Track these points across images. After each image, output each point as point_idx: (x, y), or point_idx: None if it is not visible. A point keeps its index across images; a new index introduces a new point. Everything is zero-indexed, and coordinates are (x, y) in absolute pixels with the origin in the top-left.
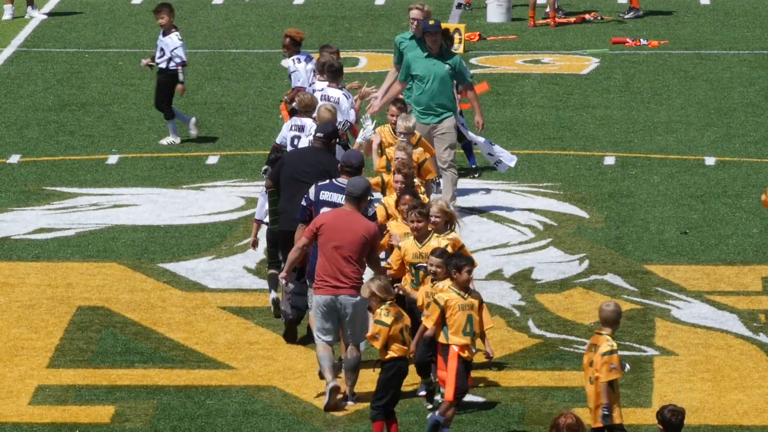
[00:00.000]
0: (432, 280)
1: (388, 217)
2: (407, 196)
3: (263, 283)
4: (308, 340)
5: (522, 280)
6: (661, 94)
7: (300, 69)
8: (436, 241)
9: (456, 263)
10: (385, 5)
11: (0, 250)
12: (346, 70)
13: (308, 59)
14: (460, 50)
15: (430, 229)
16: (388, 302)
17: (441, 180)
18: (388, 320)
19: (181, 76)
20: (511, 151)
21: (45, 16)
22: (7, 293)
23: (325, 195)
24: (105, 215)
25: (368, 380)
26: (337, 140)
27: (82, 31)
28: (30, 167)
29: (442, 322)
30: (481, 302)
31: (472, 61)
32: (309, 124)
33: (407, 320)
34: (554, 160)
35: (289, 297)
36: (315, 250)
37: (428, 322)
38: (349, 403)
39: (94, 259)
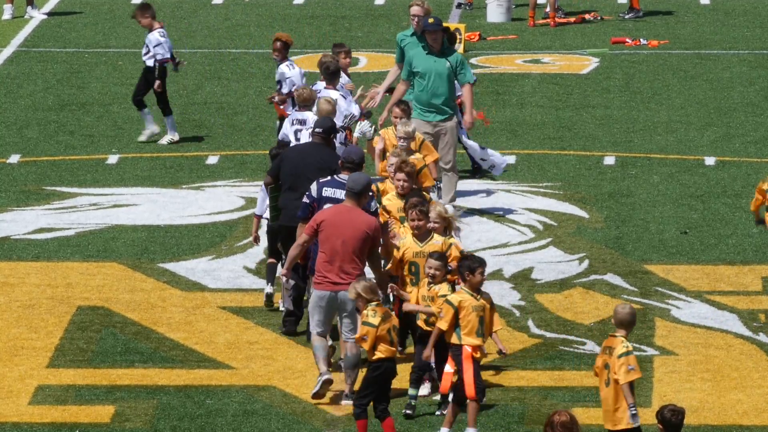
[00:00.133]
0: (428, 283)
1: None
2: (414, 199)
3: (263, 283)
4: (309, 338)
5: (522, 279)
6: (660, 93)
7: (294, 75)
8: (440, 241)
9: (469, 265)
10: (385, 5)
11: (0, 249)
12: None
13: (292, 66)
14: (460, 50)
15: (430, 228)
16: (375, 303)
17: (440, 185)
18: (375, 321)
19: (156, 72)
20: (511, 151)
21: (45, 16)
22: (7, 293)
23: (327, 191)
24: (105, 215)
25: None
26: (336, 135)
27: (81, 31)
28: (30, 167)
29: (455, 323)
30: (491, 304)
31: (473, 61)
32: (310, 117)
33: (395, 320)
34: (554, 160)
35: (290, 294)
36: (316, 246)
37: (443, 323)
38: (346, 402)
39: (94, 258)
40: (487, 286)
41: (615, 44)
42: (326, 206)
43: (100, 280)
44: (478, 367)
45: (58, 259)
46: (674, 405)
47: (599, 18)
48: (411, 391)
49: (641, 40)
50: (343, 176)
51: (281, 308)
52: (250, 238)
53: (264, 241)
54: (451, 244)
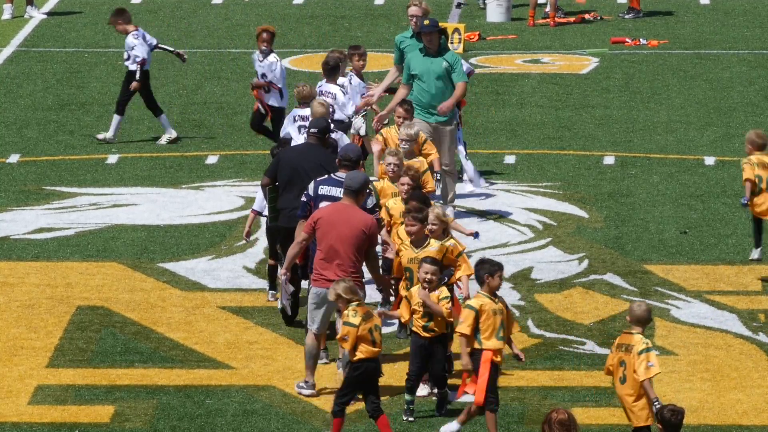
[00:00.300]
0: (424, 288)
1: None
2: (413, 202)
3: (263, 283)
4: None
5: (521, 279)
6: (660, 93)
7: (280, 66)
8: (436, 247)
9: (489, 268)
10: (385, 5)
11: (0, 249)
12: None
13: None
14: (460, 50)
15: (427, 233)
16: (356, 303)
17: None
18: (356, 321)
19: (137, 74)
20: (511, 151)
21: (44, 16)
22: (6, 293)
23: (323, 189)
24: (105, 215)
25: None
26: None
27: (81, 31)
28: (30, 167)
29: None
30: (507, 307)
31: (472, 60)
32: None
33: (376, 320)
34: (554, 160)
35: (289, 297)
36: (314, 245)
37: (464, 327)
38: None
39: (93, 258)
40: None
41: (615, 44)
42: (323, 204)
43: (99, 279)
44: (496, 373)
45: (58, 258)
46: (674, 405)
47: (599, 18)
48: (407, 397)
49: (641, 40)
50: (340, 174)
51: (278, 305)
52: (243, 240)
53: (263, 242)
54: (447, 248)
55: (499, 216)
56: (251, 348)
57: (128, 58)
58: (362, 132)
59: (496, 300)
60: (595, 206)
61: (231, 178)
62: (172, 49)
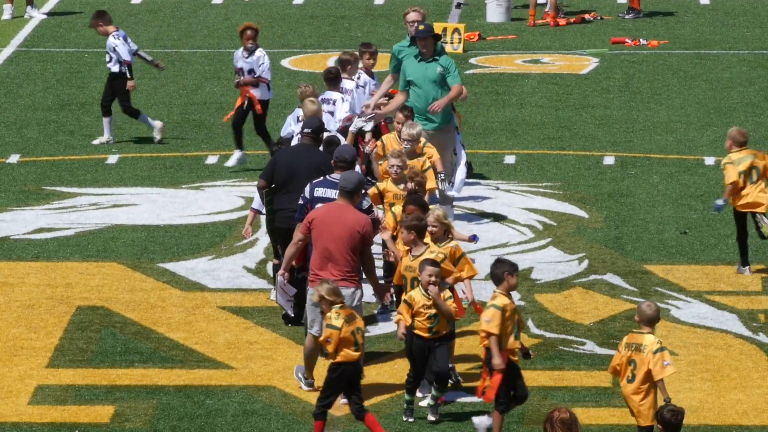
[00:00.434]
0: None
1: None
2: (410, 206)
3: (263, 283)
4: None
5: (521, 279)
6: (660, 94)
7: (268, 60)
8: (434, 253)
9: (509, 267)
10: (385, 5)
11: (0, 249)
12: None
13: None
14: (459, 50)
15: (427, 241)
16: (339, 305)
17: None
18: (338, 323)
19: (128, 73)
20: (511, 151)
21: (44, 16)
22: (6, 293)
23: (319, 191)
24: (104, 215)
25: (367, 376)
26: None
27: (81, 31)
28: (29, 167)
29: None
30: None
31: (472, 60)
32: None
33: (360, 322)
34: (554, 160)
35: (290, 298)
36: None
37: (494, 327)
38: (344, 401)
39: (93, 258)
40: (487, 286)
41: (615, 44)
42: (319, 206)
43: (99, 280)
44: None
45: (58, 259)
46: (674, 405)
47: (599, 18)
48: (407, 397)
49: (641, 40)
50: (336, 176)
51: (271, 298)
52: (245, 239)
53: (263, 242)
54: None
55: (500, 216)
56: (251, 348)
57: (110, 60)
58: (366, 128)
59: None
60: (595, 206)
61: (231, 178)
62: (150, 58)
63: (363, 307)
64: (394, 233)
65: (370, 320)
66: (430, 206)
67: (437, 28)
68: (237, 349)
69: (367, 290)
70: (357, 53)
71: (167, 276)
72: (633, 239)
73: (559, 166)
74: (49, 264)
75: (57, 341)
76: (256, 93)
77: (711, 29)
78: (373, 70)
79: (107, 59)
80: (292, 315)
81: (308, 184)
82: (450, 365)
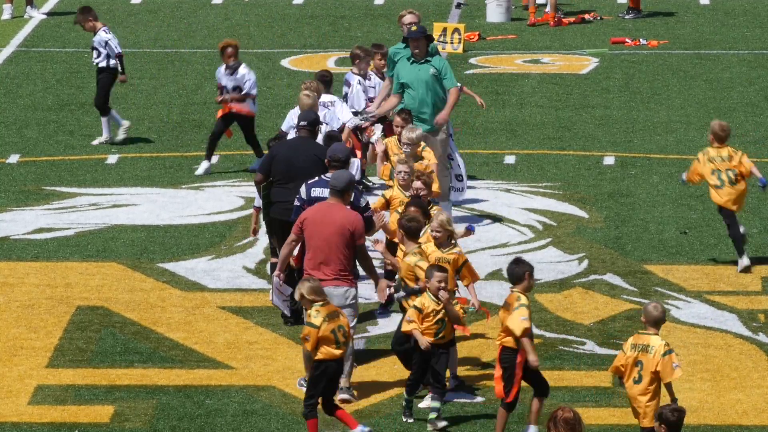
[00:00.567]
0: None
1: (388, 206)
2: (412, 208)
3: (263, 283)
4: None
5: None
6: (660, 94)
7: (253, 76)
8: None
9: (530, 267)
10: (384, 5)
11: (0, 249)
12: (344, 69)
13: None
14: (459, 50)
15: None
16: (320, 303)
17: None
18: (317, 321)
19: (120, 68)
20: (511, 151)
21: (44, 16)
22: (6, 293)
23: (316, 192)
24: (104, 215)
25: (367, 376)
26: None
27: (81, 31)
28: (29, 167)
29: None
30: None
31: (472, 60)
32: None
33: (342, 321)
34: (554, 160)
35: (285, 299)
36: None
37: (528, 322)
38: (342, 395)
39: (93, 258)
40: (487, 286)
41: (614, 44)
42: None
43: (99, 280)
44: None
45: (58, 259)
46: (675, 404)
47: (599, 18)
48: (406, 396)
49: (641, 40)
50: (330, 175)
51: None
52: (251, 237)
53: (263, 242)
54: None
55: (500, 216)
56: (251, 348)
57: (98, 56)
58: (363, 125)
59: None
60: (595, 206)
61: (231, 179)
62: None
63: (358, 306)
64: (395, 239)
65: (371, 320)
66: (435, 210)
67: (437, 28)
68: (237, 349)
69: (368, 291)
70: (369, 50)
71: (167, 276)
72: (633, 239)
73: (559, 166)
74: (48, 264)
75: (57, 341)
76: (241, 107)
77: (711, 29)
78: (384, 71)
79: (95, 56)
80: (288, 315)
81: (304, 185)
82: (454, 371)
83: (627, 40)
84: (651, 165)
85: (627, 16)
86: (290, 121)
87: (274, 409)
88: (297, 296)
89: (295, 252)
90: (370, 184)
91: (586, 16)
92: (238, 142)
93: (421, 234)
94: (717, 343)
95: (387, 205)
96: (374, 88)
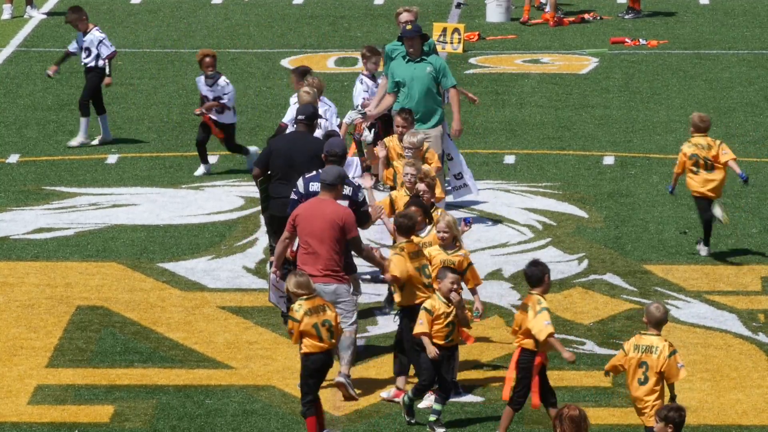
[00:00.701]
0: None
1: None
2: (412, 207)
3: (262, 283)
4: None
5: (521, 279)
6: (660, 93)
7: (232, 87)
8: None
9: (548, 270)
10: (384, 5)
11: (0, 249)
12: (345, 69)
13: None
14: (459, 50)
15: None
16: (304, 297)
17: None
18: (298, 315)
19: (107, 69)
20: (510, 150)
21: (44, 16)
22: (6, 293)
23: (314, 186)
24: (104, 215)
25: (367, 375)
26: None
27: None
28: (29, 167)
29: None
30: None
31: (471, 60)
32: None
33: (327, 315)
34: (553, 160)
35: (282, 295)
36: None
37: (552, 326)
38: (339, 378)
39: (93, 258)
40: (486, 286)
41: (614, 44)
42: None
43: (99, 279)
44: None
45: (58, 258)
46: (675, 404)
47: (598, 18)
48: (410, 395)
49: (640, 40)
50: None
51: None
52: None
53: (263, 241)
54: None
55: (499, 216)
56: (251, 348)
57: (88, 55)
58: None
59: None
60: (594, 206)
61: (231, 178)
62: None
63: (354, 301)
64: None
65: (370, 320)
66: (440, 212)
67: (437, 28)
68: (237, 348)
69: (369, 288)
70: (375, 49)
71: (167, 276)
72: (633, 239)
73: (559, 166)
74: (48, 264)
75: (57, 341)
76: (222, 118)
77: (710, 29)
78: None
79: (84, 55)
80: (286, 312)
81: (301, 179)
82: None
83: (627, 40)
84: (651, 165)
85: (627, 16)
86: (291, 113)
87: (274, 409)
88: (284, 290)
89: (296, 246)
90: (381, 189)
91: (586, 16)
92: (238, 142)
93: (425, 233)
94: (717, 343)
95: (392, 206)
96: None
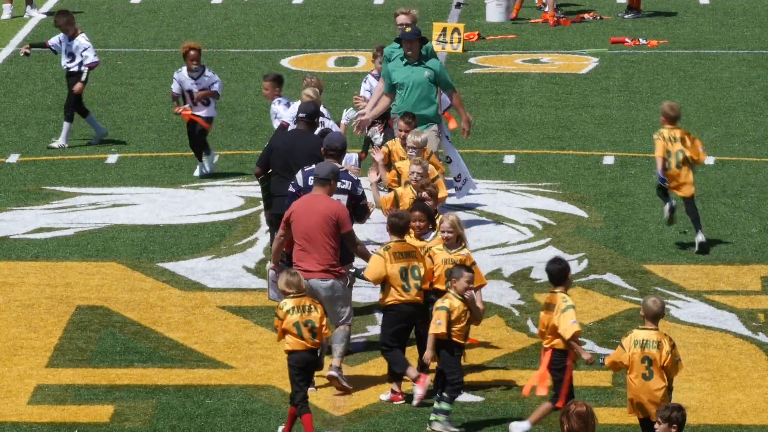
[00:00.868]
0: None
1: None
2: (416, 212)
3: (262, 283)
4: None
5: (521, 279)
6: (660, 93)
7: (218, 78)
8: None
9: (569, 267)
10: (384, 5)
11: (0, 249)
12: (344, 69)
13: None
14: (459, 50)
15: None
16: (292, 295)
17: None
18: (281, 313)
19: (84, 76)
20: (510, 150)
21: (44, 16)
22: (6, 293)
23: (312, 181)
24: (104, 215)
25: (367, 375)
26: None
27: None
28: (29, 167)
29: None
30: None
31: (471, 60)
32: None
33: (311, 316)
34: (553, 160)
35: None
36: None
37: (578, 325)
38: (331, 372)
39: (93, 258)
40: (486, 286)
41: (614, 44)
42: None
43: (99, 279)
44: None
45: (57, 258)
46: (676, 404)
47: (598, 17)
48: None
49: (640, 39)
50: None
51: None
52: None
53: (263, 241)
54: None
55: (499, 216)
56: (251, 348)
57: (72, 60)
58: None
59: None
60: (594, 206)
61: (230, 178)
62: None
63: (350, 297)
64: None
65: (370, 320)
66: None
67: (437, 27)
68: (236, 348)
69: (368, 291)
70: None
71: (167, 276)
72: (632, 239)
73: (559, 166)
74: (48, 264)
75: (56, 341)
76: (202, 112)
77: (710, 29)
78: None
79: (68, 59)
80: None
81: (300, 172)
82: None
83: (626, 39)
84: (650, 165)
85: (626, 16)
86: (292, 112)
87: (274, 409)
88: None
89: None
90: (382, 189)
91: (586, 16)
92: (237, 142)
93: (431, 238)
94: (717, 342)
95: (396, 201)
96: None
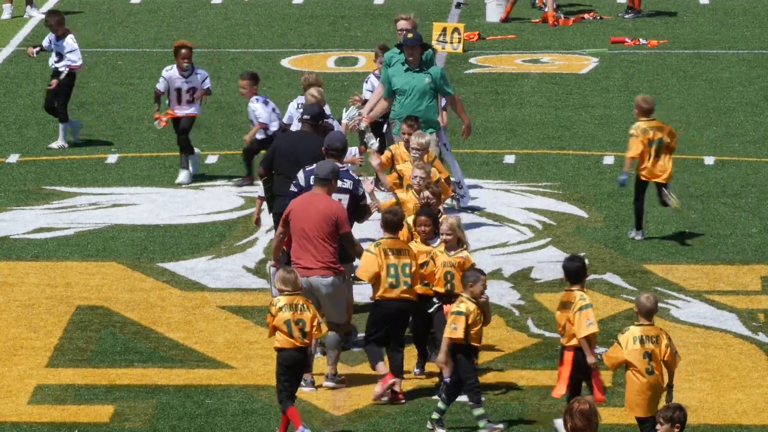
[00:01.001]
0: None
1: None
2: (422, 217)
3: (262, 283)
4: None
5: (521, 279)
6: (660, 93)
7: (208, 76)
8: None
9: (586, 264)
10: (384, 5)
11: (0, 249)
12: (344, 69)
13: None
14: (459, 50)
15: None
16: (286, 293)
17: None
18: (273, 310)
19: (62, 75)
20: (510, 150)
21: (44, 16)
22: (6, 293)
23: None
24: (104, 215)
25: (366, 375)
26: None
27: (81, 31)
28: (29, 166)
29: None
30: None
31: (471, 60)
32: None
33: (304, 315)
34: (553, 160)
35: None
36: None
37: (596, 326)
38: (327, 383)
39: (93, 258)
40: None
41: (614, 44)
42: None
43: (99, 279)
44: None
45: (58, 258)
46: (677, 404)
47: (598, 17)
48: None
49: (640, 39)
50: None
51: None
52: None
53: (263, 241)
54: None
55: (499, 216)
56: (251, 348)
57: (59, 60)
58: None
59: None
60: (594, 206)
61: (231, 178)
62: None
63: (349, 293)
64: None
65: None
66: (444, 215)
67: (437, 27)
68: (237, 348)
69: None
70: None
71: (167, 276)
72: (632, 239)
73: (559, 166)
74: (48, 264)
75: (57, 341)
76: (191, 110)
77: (710, 29)
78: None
79: (56, 59)
80: None
81: (302, 171)
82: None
83: (626, 39)
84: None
85: (626, 16)
86: (291, 112)
87: (274, 409)
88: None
89: None
90: (381, 189)
91: (586, 16)
92: (237, 142)
93: (437, 243)
94: (717, 342)
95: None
96: None
